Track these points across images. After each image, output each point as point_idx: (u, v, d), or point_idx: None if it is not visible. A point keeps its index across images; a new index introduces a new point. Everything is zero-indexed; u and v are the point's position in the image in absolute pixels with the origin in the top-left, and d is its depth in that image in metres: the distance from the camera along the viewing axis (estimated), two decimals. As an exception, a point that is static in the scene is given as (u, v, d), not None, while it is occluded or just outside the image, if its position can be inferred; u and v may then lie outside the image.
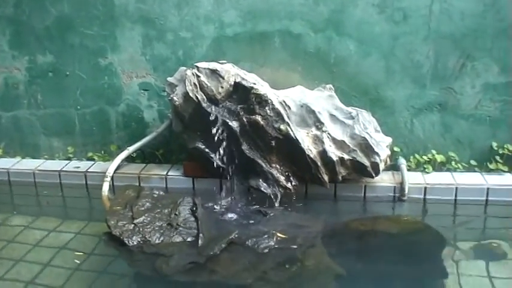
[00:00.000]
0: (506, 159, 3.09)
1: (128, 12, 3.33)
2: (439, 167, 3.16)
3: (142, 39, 3.35)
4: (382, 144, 2.91)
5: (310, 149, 2.87)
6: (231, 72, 2.94)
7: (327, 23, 3.11)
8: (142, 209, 2.73)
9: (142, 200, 2.78)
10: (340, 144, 2.88)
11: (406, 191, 2.97)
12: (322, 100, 3.01)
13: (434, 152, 3.17)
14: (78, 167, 3.45)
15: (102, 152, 3.59)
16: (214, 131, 2.88)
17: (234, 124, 2.88)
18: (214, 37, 3.25)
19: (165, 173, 3.29)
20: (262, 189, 2.93)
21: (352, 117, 2.91)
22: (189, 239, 2.58)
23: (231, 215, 2.83)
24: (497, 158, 3.09)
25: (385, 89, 3.16)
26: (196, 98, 2.92)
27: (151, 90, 3.44)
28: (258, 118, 2.84)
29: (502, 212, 2.84)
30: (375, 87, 3.17)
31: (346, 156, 2.86)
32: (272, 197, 2.91)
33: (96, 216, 2.98)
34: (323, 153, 2.86)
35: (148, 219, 2.66)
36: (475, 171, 3.13)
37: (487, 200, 2.92)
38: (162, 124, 3.36)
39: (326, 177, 2.91)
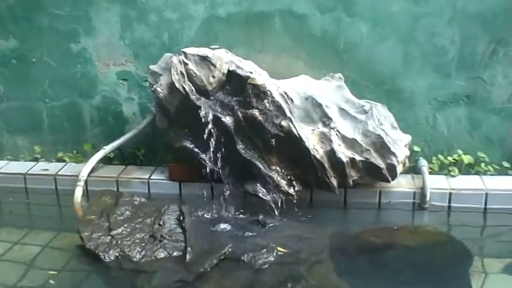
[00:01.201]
0: (544, 160, 3.11)
1: (104, -11, 3.35)
2: (466, 169, 3.17)
3: (121, 20, 3.35)
4: (400, 143, 2.91)
5: (316, 149, 2.87)
6: (224, 60, 2.94)
7: (336, 1, 3.11)
8: (121, 218, 2.73)
9: (121, 208, 2.78)
10: (351, 143, 2.88)
11: (428, 198, 2.98)
12: (330, 92, 3.01)
13: (460, 152, 3.18)
14: (47, 170, 3.46)
15: (75, 151, 3.60)
16: (204, 127, 2.88)
17: (227, 120, 2.89)
18: (204, 18, 3.25)
19: (147, 176, 3.29)
20: (260, 195, 2.93)
21: (365, 112, 2.91)
22: (175, 254, 2.58)
23: (224, 226, 2.83)
24: (534, 158, 3.12)
25: (403, 79, 3.16)
26: (184, 89, 2.92)
27: (132, 80, 3.45)
28: (256, 113, 2.85)
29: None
30: (392, 77, 3.17)
31: (357, 157, 2.86)
32: (272, 204, 2.91)
33: (67, 226, 2.98)
34: (331, 154, 2.86)
35: (128, 230, 2.66)
36: (507, 174, 3.14)
37: (521, 207, 2.93)
38: (143, 120, 3.36)
39: (334, 182, 2.92)
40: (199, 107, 2.90)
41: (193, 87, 2.93)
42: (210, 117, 2.88)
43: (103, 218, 2.73)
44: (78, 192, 3.14)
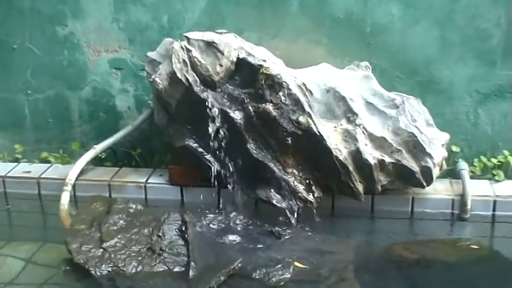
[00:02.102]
0: None
1: (94, -35, 3.35)
2: (513, 173, 3.16)
3: (114, 1, 3.35)
4: (437, 143, 2.89)
5: (339, 149, 2.86)
6: (233, 46, 2.93)
7: (362, -22, 3.12)
8: (115, 228, 2.73)
9: (114, 217, 2.78)
10: (379, 142, 2.86)
11: (469, 206, 2.96)
12: (356, 83, 2.99)
13: (506, 153, 3.16)
14: (29, 172, 3.46)
15: (61, 151, 3.61)
16: (210, 124, 2.88)
17: (236, 115, 2.88)
18: (210, -2, 3.26)
19: (144, 180, 3.29)
20: (274, 202, 2.93)
21: (396, 106, 2.89)
22: (176, 269, 2.57)
23: (232, 237, 2.82)
24: None
25: (440, 68, 3.15)
26: (187, 79, 2.91)
27: (126, 69, 3.45)
28: (269, 107, 2.84)
29: None
30: (426, 66, 3.15)
31: (387, 159, 2.85)
32: (288, 212, 2.91)
33: (52, 237, 2.97)
34: (356, 154, 2.85)
35: (122, 242, 2.66)
36: (562, 178, 3.12)
37: None
38: (140, 115, 3.36)
39: (360, 187, 2.91)
40: (205, 101, 2.89)
41: (197, 78, 2.93)
42: (217, 112, 2.88)
43: (94, 228, 2.72)
44: (65, 198, 3.14)
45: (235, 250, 2.71)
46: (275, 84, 2.84)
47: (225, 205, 3.00)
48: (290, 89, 2.84)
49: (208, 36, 2.93)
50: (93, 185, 3.28)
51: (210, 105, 2.89)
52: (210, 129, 2.90)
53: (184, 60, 2.91)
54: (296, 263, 2.58)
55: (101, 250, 2.61)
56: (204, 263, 2.58)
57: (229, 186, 2.98)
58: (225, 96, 2.93)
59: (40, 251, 2.84)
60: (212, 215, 2.96)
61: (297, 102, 2.84)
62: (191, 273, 2.52)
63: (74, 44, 3.46)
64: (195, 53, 2.92)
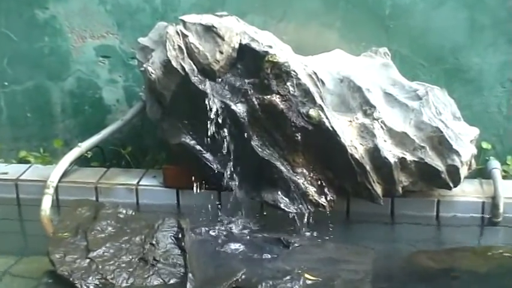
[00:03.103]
0: None
1: None
2: (551, 172, 3.16)
3: (101, -21, 3.38)
4: (465, 138, 2.90)
5: (355, 146, 2.86)
6: (235, 30, 2.94)
7: (380, -47, 3.12)
8: (102, 236, 2.73)
9: (101, 223, 2.78)
10: (400, 138, 2.87)
11: (501, 210, 2.97)
12: (373, 71, 3.00)
13: (544, 150, 3.18)
14: (6, 173, 3.47)
15: (41, 150, 3.62)
16: (209, 119, 2.89)
17: (239, 108, 2.89)
18: (208, -24, 3.28)
19: (135, 181, 3.30)
20: (281, 206, 2.93)
21: (419, 97, 2.90)
22: (172, 281, 2.58)
23: (235, 246, 2.83)
24: None
25: (469, 54, 3.16)
26: (183, 68, 2.92)
27: (115, 57, 3.46)
28: (276, 99, 2.85)
29: None
30: (453, 52, 3.16)
31: (409, 157, 2.85)
32: (297, 218, 2.91)
33: (33, 246, 2.99)
34: (374, 152, 2.86)
35: (111, 251, 2.67)
36: None
37: None
38: (130, 109, 3.38)
39: (379, 189, 2.91)
40: (203, 92, 2.90)
41: (194, 67, 2.94)
42: (217, 105, 2.89)
43: (79, 236, 2.73)
44: (47, 202, 3.14)
45: (238, 260, 2.71)
46: (282, 73, 2.84)
47: (226, 210, 3.00)
48: (299, 79, 2.84)
49: (207, 19, 2.94)
50: (78, 188, 3.30)
51: (209, 98, 2.89)
52: (209, 125, 2.91)
53: (180, 47, 2.92)
54: (306, 275, 2.58)
55: (87, 260, 2.61)
56: (203, 275, 2.58)
57: (232, 189, 2.99)
58: (226, 87, 2.94)
59: (19, 262, 2.84)
60: (212, 221, 2.97)
61: (307, 93, 2.85)
62: (189, 286, 2.51)
63: (56, 29, 3.47)
64: (192, 38, 2.92)
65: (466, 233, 2.96)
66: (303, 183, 2.93)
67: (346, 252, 2.77)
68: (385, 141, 2.87)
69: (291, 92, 2.84)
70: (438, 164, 2.85)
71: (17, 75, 3.57)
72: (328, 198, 2.94)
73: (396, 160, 2.85)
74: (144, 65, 3.00)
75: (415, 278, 2.62)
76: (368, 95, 2.90)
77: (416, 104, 2.88)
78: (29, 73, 3.55)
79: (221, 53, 2.93)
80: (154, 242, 2.69)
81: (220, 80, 2.95)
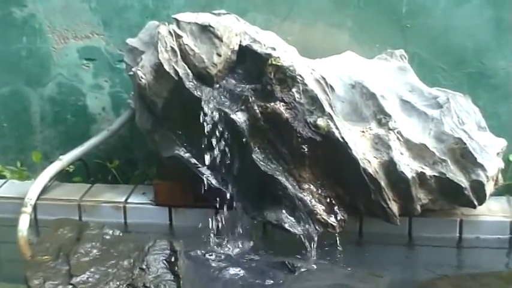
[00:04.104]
0: None
1: None
2: None
3: (85, -26, 3.40)
4: (490, 151, 2.90)
5: (368, 159, 2.87)
6: (234, 30, 2.96)
7: None
8: (87, 259, 2.73)
9: (86, 245, 2.78)
10: (418, 150, 2.88)
11: (531, 230, 2.97)
12: (388, 76, 3.01)
13: None
14: (-21, 189, 3.47)
15: (18, 163, 3.62)
16: (206, 128, 2.89)
17: (239, 117, 2.89)
18: (205, -30, 3.29)
19: (123, 199, 3.31)
20: (286, 226, 2.93)
21: (440, 105, 2.91)
22: (164, 311, 2.58)
23: (234, 270, 2.83)
24: None
25: (495, 57, 3.17)
26: (176, 73, 2.93)
27: (100, 59, 3.48)
28: (280, 107, 2.85)
29: None
30: (477, 54, 3.17)
31: (428, 171, 2.86)
32: (304, 239, 2.91)
33: (8, 271, 2.99)
34: (390, 166, 2.87)
35: (97, 276, 2.66)
36: None
37: None
38: (117, 118, 3.39)
39: (395, 207, 2.91)
40: (199, 99, 2.91)
41: (189, 71, 2.95)
42: (215, 113, 2.89)
43: (60, 260, 2.72)
44: (24, 222, 3.13)
45: (237, 287, 2.72)
46: (287, 78, 2.85)
47: (224, 230, 3.00)
48: (306, 84, 2.85)
49: (203, 18, 2.95)
50: (59, 206, 3.30)
51: (205, 105, 2.90)
52: (206, 136, 2.91)
53: (173, 49, 2.93)
54: (315, 303, 2.60)
55: (70, 287, 2.61)
56: (199, 303, 2.60)
57: (230, 207, 2.98)
58: (225, 94, 2.94)
59: (-7, 290, 2.86)
60: (209, 243, 2.97)
61: (314, 100, 2.85)
62: (183, 315, 2.53)
63: (35, 29, 3.49)
64: (187, 39, 2.94)
65: (491, 256, 2.97)
66: (310, 201, 2.93)
67: (358, 278, 2.76)
68: (401, 153, 2.87)
69: (297, 99, 2.85)
70: (461, 180, 2.85)
71: (-9, 80, 3.59)
72: (338, 218, 2.94)
73: (414, 175, 2.85)
74: (133, 69, 3.00)
75: (435, 306, 2.63)
76: (383, 102, 2.91)
77: (437, 113, 2.89)
78: (4, 78, 3.57)
79: (219, 55, 2.94)
80: (144, 267, 2.69)
81: (217, 85, 2.96)
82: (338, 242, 2.92)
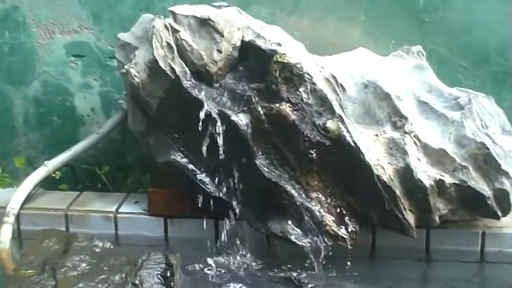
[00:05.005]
0: None
1: None
2: None
3: (73, -38, 3.41)
4: (516, 157, 2.91)
5: (382, 165, 2.88)
6: (236, 24, 2.97)
7: None
8: (75, 273, 2.73)
9: (73, 258, 2.78)
10: (437, 156, 2.88)
11: (561, 244, 2.97)
12: (404, 75, 3.02)
13: None
14: (-44, 198, 3.48)
15: (0, 169, 3.62)
16: (205, 131, 2.89)
17: (241, 119, 2.90)
18: (204, -41, 3.30)
19: (114, 208, 3.32)
20: (292, 238, 2.93)
21: (460, 107, 2.92)
22: (158, 330, 2.59)
23: (235, 286, 2.83)
24: None
25: (521, 55, 3.17)
26: (173, 71, 2.94)
27: (89, 56, 3.49)
28: (286, 108, 2.86)
29: None
30: (501, 51, 3.19)
31: (448, 179, 2.86)
32: (311, 253, 2.91)
33: (-12, 287, 2.99)
34: (406, 173, 2.87)
35: (85, 293, 2.68)
36: None
37: None
38: (108, 120, 3.40)
39: (411, 218, 2.92)
40: (197, 100, 2.91)
41: (187, 68, 2.95)
42: (215, 115, 2.89)
43: (46, 274, 2.72)
44: (6, 232, 3.14)
45: (239, 304, 2.73)
46: (294, 76, 2.85)
47: (224, 242, 3.00)
48: (314, 84, 2.85)
49: (202, 11, 2.96)
50: (44, 216, 3.30)
51: (204, 106, 2.89)
52: (205, 140, 2.91)
53: (169, 44, 2.94)
54: (323, 322, 2.61)
55: (56, 304, 2.63)
56: (197, 322, 2.61)
57: (231, 217, 2.98)
58: (226, 94, 2.95)
59: (-28, 307, 2.87)
60: (208, 256, 2.97)
61: (323, 101, 2.86)
62: (179, 335, 2.54)
63: (18, 23, 3.50)
64: (184, 34, 2.94)
65: (517, 272, 2.97)
66: (319, 211, 2.93)
67: (371, 295, 2.78)
68: (418, 159, 2.88)
69: (304, 99, 2.85)
70: (484, 188, 2.86)
71: (-30, 79, 3.60)
72: (349, 230, 2.94)
73: (432, 183, 2.86)
74: (126, 67, 3.01)
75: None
76: (398, 103, 2.92)
77: (457, 115, 2.90)
78: (-16, 76, 3.58)
79: (219, 51, 2.94)
80: (137, 282, 2.68)
81: (218, 84, 2.97)
82: (349, 255, 2.92)
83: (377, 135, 2.92)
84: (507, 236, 3.04)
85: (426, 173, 2.86)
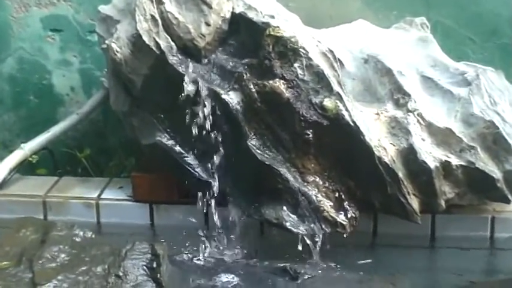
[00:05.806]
0: None
1: None
2: None
3: None
4: (527, 137, 2.92)
5: (384, 146, 2.88)
6: (226, -5, 2.97)
7: None
8: (53, 265, 2.73)
9: (52, 249, 2.79)
10: (443, 135, 2.89)
11: None
12: (407, 48, 3.03)
13: None
14: None
15: (-28, 153, 3.63)
16: (192, 111, 2.90)
17: (231, 98, 2.90)
18: None
19: (95, 194, 3.33)
20: (287, 225, 2.94)
21: (467, 82, 2.92)
22: (144, 325, 2.61)
23: (227, 278, 2.84)
24: None
25: (532, 27, 3.18)
26: (157, 46, 2.93)
27: (68, 30, 3.49)
28: (280, 85, 2.86)
29: None
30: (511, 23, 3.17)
31: (454, 160, 2.87)
32: (308, 240, 2.92)
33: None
34: (409, 155, 2.88)
35: (65, 285, 2.66)
36: None
37: None
38: (89, 99, 3.41)
39: (415, 203, 2.93)
40: (184, 76, 2.91)
41: (173, 43, 2.96)
42: (203, 93, 2.89)
43: (22, 266, 2.73)
44: (-20, 222, 3.16)
45: (231, 297, 2.74)
46: (288, 51, 2.85)
47: (215, 231, 3.01)
48: (310, 59, 2.85)
49: (189, -19, 2.97)
50: (21, 203, 3.31)
51: (191, 84, 2.90)
52: (192, 120, 2.92)
53: (153, 17, 2.93)
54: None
55: (34, 297, 2.64)
56: (186, 316, 2.62)
57: (222, 203, 3.00)
58: (215, 70, 2.95)
59: None
60: (197, 245, 2.98)
61: (320, 77, 2.86)
62: (167, 330, 2.55)
63: (-9, -5, 3.50)
64: (170, 6, 2.94)
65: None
66: (316, 196, 2.94)
67: (372, 285, 2.78)
68: (423, 140, 2.89)
69: (300, 76, 2.85)
70: (493, 170, 2.87)
71: None
72: (349, 216, 2.95)
73: (438, 165, 2.87)
74: (107, 42, 3.01)
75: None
76: (400, 79, 2.93)
77: (464, 91, 2.90)
78: (-46, 53, 3.58)
79: (208, 25, 2.94)
80: (121, 274, 2.69)
81: (206, 60, 2.97)
82: (348, 243, 2.94)
83: (378, 114, 2.93)
84: (518, 222, 3.05)
85: (431, 154, 2.87)
